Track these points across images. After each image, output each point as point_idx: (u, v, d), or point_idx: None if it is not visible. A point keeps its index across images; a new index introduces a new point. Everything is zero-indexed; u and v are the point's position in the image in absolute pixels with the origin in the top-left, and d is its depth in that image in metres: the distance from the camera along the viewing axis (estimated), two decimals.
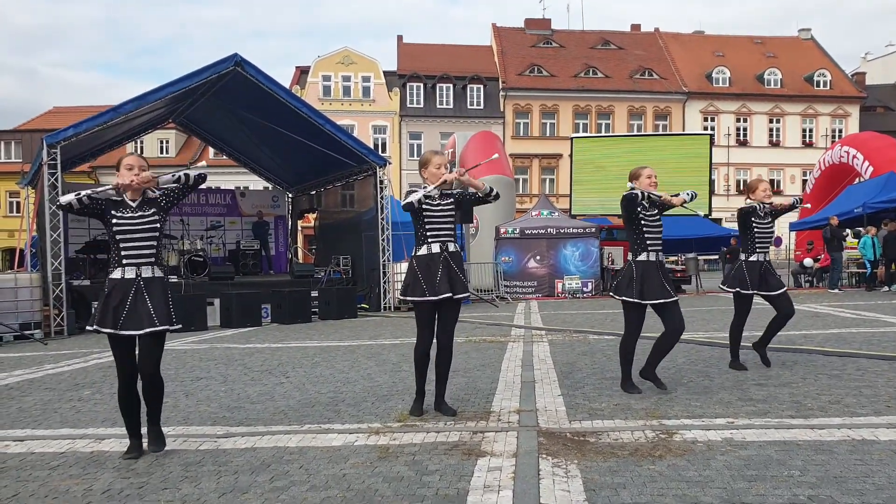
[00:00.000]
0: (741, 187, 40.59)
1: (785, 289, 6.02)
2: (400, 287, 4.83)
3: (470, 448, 3.76)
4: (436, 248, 4.47)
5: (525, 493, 3.02)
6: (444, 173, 4.52)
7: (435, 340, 4.56)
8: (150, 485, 3.36)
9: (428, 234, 4.48)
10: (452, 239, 4.58)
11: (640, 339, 5.21)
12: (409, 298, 4.57)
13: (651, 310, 5.07)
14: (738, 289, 5.95)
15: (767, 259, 5.98)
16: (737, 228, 6.59)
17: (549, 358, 6.93)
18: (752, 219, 5.91)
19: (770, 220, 6.00)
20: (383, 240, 14.53)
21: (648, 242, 5.03)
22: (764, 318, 6.38)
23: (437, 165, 4.55)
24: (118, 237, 3.79)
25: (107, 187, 3.85)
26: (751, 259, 5.90)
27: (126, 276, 3.78)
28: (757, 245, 5.91)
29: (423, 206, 4.46)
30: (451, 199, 4.57)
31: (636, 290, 4.95)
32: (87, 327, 3.87)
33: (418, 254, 4.51)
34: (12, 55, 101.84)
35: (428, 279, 4.42)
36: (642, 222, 5.03)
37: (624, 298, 5.03)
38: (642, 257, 5.02)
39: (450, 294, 4.41)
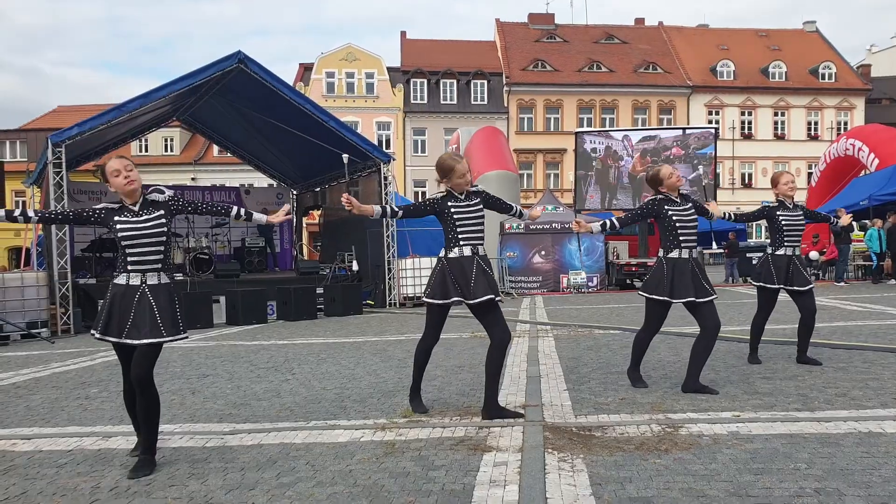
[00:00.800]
0: (746, 181, 40.49)
1: (813, 286, 5.87)
2: (425, 287, 4.54)
3: (476, 443, 3.76)
4: (468, 251, 4.34)
5: (531, 487, 3.03)
6: (470, 179, 4.41)
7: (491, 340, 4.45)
8: (157, 482, 3.38)
9: (460, 236, 4.34)
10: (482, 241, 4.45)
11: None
12: (436, 301, 4.42)
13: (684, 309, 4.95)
14: (762, 283, 5.82)
15: (797, 253, 5.79)
16: (742, 222, 6.54)
17: (555, 353, 6.93)
18: (778, 212, 5.77)
19: (800, 212, 5.85)
20: (388, 236, 14.54)
21: (682, 239, 4.93)
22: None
23: (460, 175, 4.36)
24: (123, 243, 3.63)
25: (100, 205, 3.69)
26: (777, 253, 5.76)
27: (131, 283, 3.63)
28: (785, 238, 5.75)
29: (452, 208, 4.32)
30: (479, 199, 4.42)
31: (666, 288, 4.87)
32: (92, 332, 3.71)
33: (450, 256, 4.37)
34: (14, 54, 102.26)
35: (462, 281, 4.30)
36: (674, 218, 4.93)
37: (653, 297, 4.93)
38: (674, 254, 4.92)
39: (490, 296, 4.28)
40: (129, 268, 3.64)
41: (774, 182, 5.97)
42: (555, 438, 3.79)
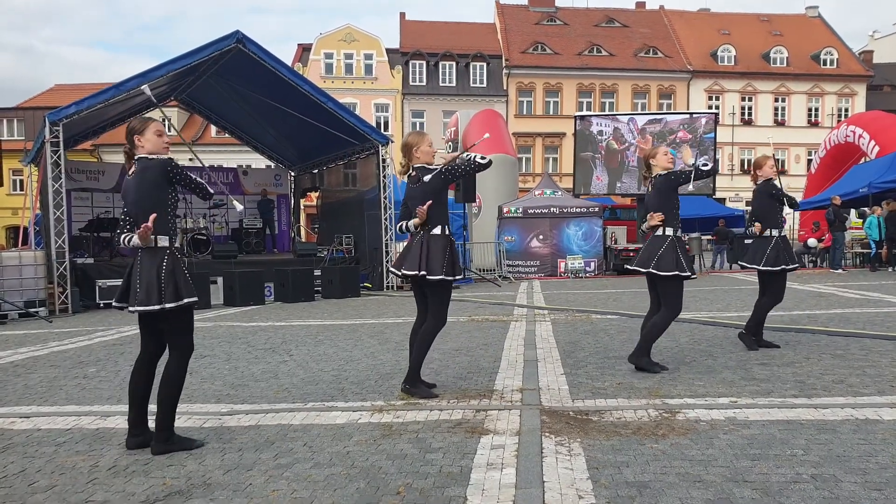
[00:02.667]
0: (745, 167, 40.40)
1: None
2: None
3: (473, 426, 3.77)
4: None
5: (528, 470, 3.04)
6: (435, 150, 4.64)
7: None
8: (155, 461, 3.38)
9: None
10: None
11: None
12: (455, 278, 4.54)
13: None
14: (783, 266, 5.85)
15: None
16: (741, 208, 6.56)
17: (552, 337, 6.94)
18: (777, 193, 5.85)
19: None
20: (386, 219, 14.50)
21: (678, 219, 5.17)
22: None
23: (429, 143, 4.59)
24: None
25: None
26: (782, 234, 5.89)
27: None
28: (782, 220, 5.96)
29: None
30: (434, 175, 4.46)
31: (686, 264, 5.02)
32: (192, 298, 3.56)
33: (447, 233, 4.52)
34: (10, 32, 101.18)
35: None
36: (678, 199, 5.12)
37: (678, 273, 4.99)
38: (679, 233, 5.10)
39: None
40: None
41: (759, 165, 6.02)
42: (552, 422, 3.80)
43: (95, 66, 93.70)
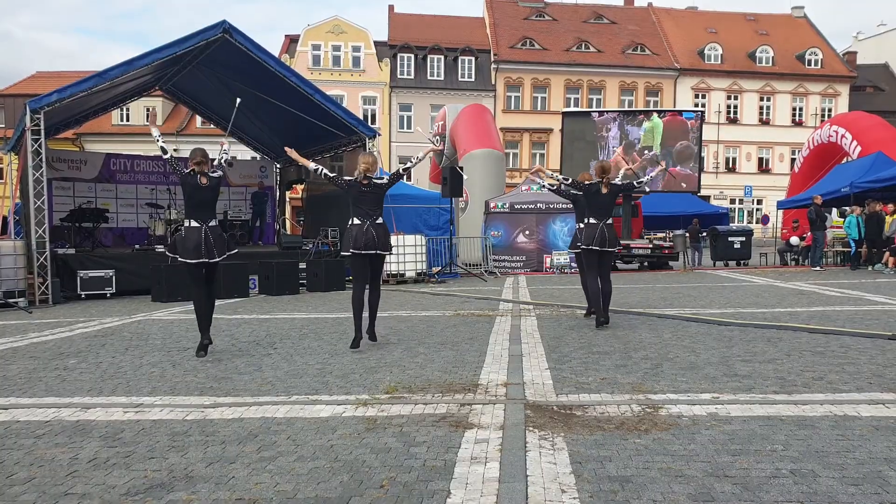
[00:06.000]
0: (730, 165, 40.73)
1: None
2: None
3: (457, 420, 3.78)
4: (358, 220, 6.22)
5: (512, 464, 3.05)
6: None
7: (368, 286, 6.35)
8: (136, 454, 3.35)
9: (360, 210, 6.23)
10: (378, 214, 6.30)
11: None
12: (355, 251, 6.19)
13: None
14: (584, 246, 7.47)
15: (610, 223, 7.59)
16: (725, 205, 6.70)
17: (537, 332, 6.96)
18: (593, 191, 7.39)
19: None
20: None
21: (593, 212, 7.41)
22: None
23: (366, 164, 6.32)
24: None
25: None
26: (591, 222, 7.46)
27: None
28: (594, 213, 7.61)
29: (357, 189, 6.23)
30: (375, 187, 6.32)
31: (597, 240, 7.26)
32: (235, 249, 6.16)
33: (355, 222, 6.22)
34: None
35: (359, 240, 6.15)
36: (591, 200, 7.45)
37: (591, 247, 7.30)
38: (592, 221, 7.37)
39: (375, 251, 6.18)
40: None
41: (608, 170, 7.43)
42: (536, 417, 3.81)
43: (75, 53, 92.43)
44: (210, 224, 6.16)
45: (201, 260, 6.00)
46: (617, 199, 8.85)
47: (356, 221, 6.17)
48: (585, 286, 7.86)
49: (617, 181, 7.57)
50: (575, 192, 7.79)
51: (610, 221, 7.39)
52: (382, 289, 6.97)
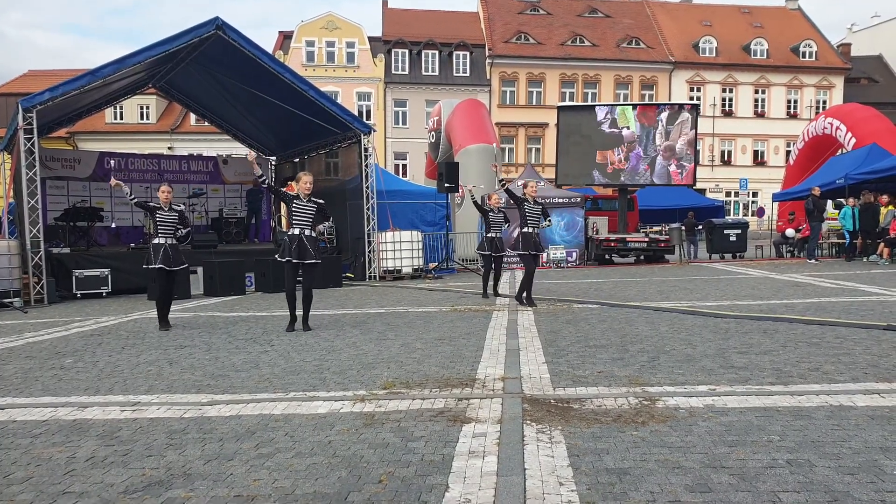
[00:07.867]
0: (725, 158, 40.78)
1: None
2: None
3: (455, 415, 3.78)
4: (296, 231, 7.21)
5: (510, 458, 3.05)
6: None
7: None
8: (134, 452, 3.35)
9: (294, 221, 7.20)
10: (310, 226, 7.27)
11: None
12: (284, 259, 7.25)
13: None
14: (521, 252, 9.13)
15: (538, 230, 9.22)
16: (721, 198, 6.65)
17: (534, 326, 6.97)
18: (526, 205, 9.09)
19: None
20: (368, 209, 14.44)
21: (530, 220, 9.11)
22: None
23: (304, 183, 7.23)
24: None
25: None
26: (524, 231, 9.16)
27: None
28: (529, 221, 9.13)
29: (294, 204, 7.17)
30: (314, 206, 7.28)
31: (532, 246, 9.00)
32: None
33: (291, 233, 7.30)
34: None
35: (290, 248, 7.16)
36: (525, 210, 9.19)
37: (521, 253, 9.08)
38: (527, 230, 9.07)
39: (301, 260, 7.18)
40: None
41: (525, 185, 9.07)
42: (533, 410, 3.82)
43: (66, 50, 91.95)
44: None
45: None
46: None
47: (292, 232, 7.22)
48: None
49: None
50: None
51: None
52: (378, 285, 7.14)
